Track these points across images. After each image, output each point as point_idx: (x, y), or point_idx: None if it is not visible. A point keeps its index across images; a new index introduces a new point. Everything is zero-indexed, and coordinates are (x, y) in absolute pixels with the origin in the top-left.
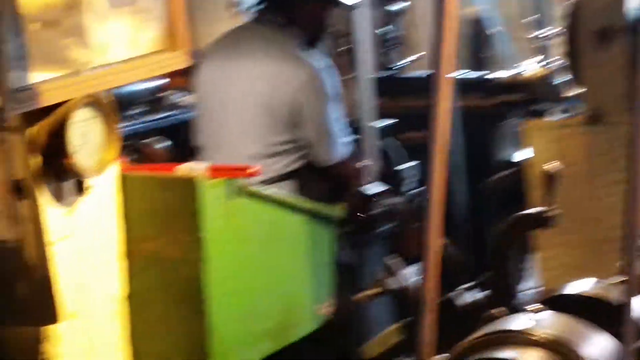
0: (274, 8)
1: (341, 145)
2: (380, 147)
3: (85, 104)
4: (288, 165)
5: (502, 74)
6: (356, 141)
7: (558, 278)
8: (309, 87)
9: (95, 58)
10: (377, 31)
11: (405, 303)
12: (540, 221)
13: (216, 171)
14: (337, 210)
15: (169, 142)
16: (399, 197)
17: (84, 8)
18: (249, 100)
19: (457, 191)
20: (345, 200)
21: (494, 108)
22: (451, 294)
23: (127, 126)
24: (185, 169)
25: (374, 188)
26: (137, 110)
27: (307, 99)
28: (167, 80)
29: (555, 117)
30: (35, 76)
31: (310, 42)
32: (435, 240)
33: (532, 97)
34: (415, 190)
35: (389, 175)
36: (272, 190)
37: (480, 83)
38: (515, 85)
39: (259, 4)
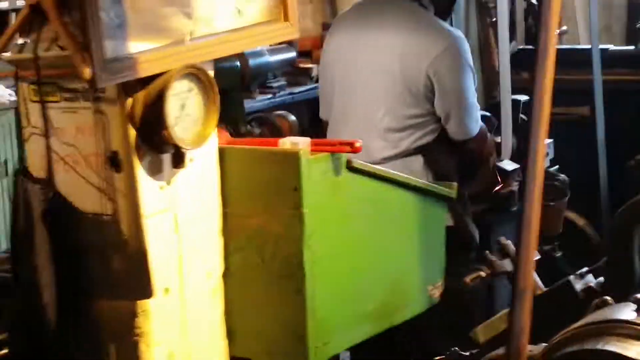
0: None
1: (477, 119)
2: (519, 123)
3: (184, 76)
4: (420, 139)
5: None
6: (494, 116)
7: None
8: (448, 56)
9: (198, 28)
10: (525, 2)
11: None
12: None
13: (319, 146)
14: (451, 190)
15: (294, 116)
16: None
17: None
18: (382, 71)
19: (600, 170)
20: (481, 176)
21: None
22: (570, 277)
23: (264, 99)
24: (287, 143)
25: (510, 164)
26: (276, 83)
27: (446, 68)
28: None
29: None
30: (134, 46)
31: (442, 13)
32: (530, 225)
33: None
34: (551, 169)
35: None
36: (384, 167)
37: (633, 57)
38: None
39: None
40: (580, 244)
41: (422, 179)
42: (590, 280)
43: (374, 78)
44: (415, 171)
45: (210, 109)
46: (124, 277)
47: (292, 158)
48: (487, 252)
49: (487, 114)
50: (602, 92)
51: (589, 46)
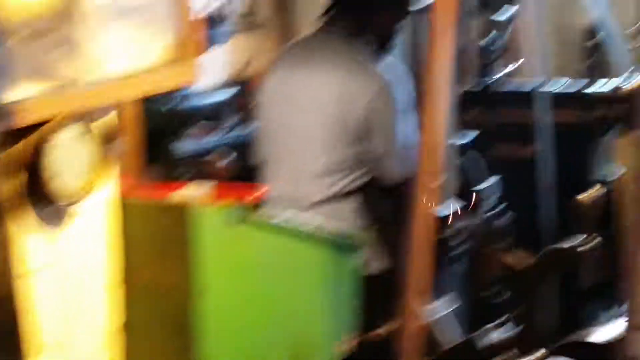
0: (344, 17)
1: (412, 161)
2: (460, 164)
3: (69, 123)
4: (352, 182)
5: (602, 86)
6: None
7: None
8: (379, 99)
9: (89, 72)
10: (481, 41)
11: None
12: (573, 257)
13: (218, 195)
14: (361, 240)
15: (231, 159)
16: (476, 217)
17: (76, 19)
18: (315, 112)
19: (545, 210)
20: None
21: (592, 123)
22: (474, 334)
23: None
24: (184, 193)
25: (448, 208)
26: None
27: (378, 111)
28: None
29: None
30: (18, 92)
31: (381, 50)
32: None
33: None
34: (494, 211)
35: (467, 193)
36: (289, 218)
37: (577, 97)
38: (616, 98)
39: (327, 12)
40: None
41: (352, 224)
42: (496, 336)
43: (308, 119)
44: (346, 216)
45: (103, 157)
46: (4, 335)
47: (185, 210)
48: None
49: None
50: (549, 132)
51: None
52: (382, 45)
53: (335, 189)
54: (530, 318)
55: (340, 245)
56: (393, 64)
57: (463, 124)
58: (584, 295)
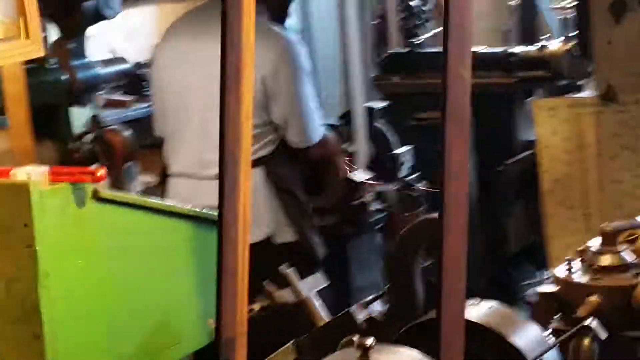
0: None
1: (319, 125)
2: (374, 130)
3: None
4: (258, 151)
5: (526, 48)
6: (345, 123)
7: None
8: (281, 60)
9: None
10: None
11: (302, 319)
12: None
13: (58, 175)
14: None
15: (129, 133)
16: (392, 183)
17: None
18: (212, 81)
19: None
20: (327, 187)
21: (515, 86)
22: (353, 307)
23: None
24: (20, 173)
25: (361, 174)
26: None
27: (280, 73)
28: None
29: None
30: None
31: (277, 15)
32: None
33: (555, 73)
34: (411, 176)
35: (381, 160)
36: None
37: (501, 59)
38: (539, 60)
39: None
40: None
41: (262, 193)
42: (375, 309)
43: (207, 89)
44: (255, 186)
45: None
46: None
47: (21, 191)
48: (266, 281)
49: (335, 122)
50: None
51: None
52: (277, 13)
53: None
54: (402, 291)
55: (205, 220)
56: (289, 31)
57: (384, 88)
58: (509, 260)
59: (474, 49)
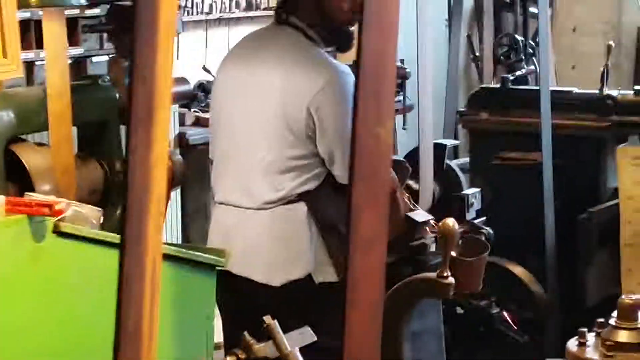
0: (296, 8)
1: None
2: (445, 168)
3: None
4: (303, 184)
5: (624, 92)
6: (411, 159)
7: None
8: (329, 92)
9: None
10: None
11: None
12: (437, 288)
13: (14, 206)
14: (219, 257)
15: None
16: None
17: None
18: (263, 108)
19: (546, 221)
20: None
21: (609, 130)
22: None
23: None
24: None
25: (422, 216)
26: None
27: (327, 105)
28: None
29: None
30: None
31: (338, 45)
32: None
33: None
34: (478, 220)
35: (448, 200)
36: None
37: (596, 101)
38: (636, 105)
39: (281, 4)
40: (524, 301)
41: (304, 230)
42: None
43: (255, 116)
44: (298, 220)
45: None
46: None
47: None
48: (246, 332)
49: (398, 158)
50: (558, 138)
51: (555, 87)
52: (337, 38)
53: (286, 189)
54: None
55: (176, 258)
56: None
57: (470, 123)
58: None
59: (567, 89)
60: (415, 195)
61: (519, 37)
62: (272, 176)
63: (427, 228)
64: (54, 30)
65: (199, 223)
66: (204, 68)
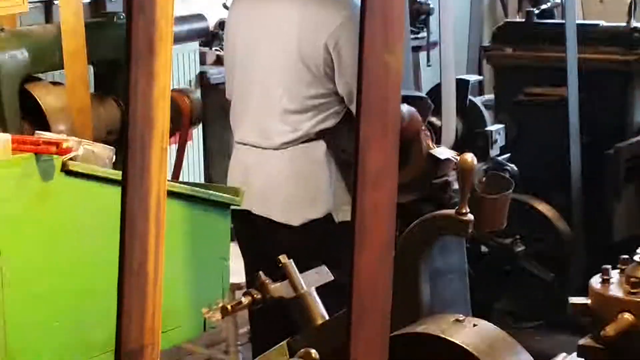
0: None
1: None
2: (468, 104)
3: None
4: (321, 122)
5: None
6: (433, 96)
7: None
8: (348, 27)
9: None
10: None
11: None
12: (455, 225)
13: (21, 144)
14: (234, 196)
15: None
16: (480, 163)
17: None
18: (279, 46)
19: (571, 158)
20: (406, 163)
21: (635, 63)
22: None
23: None
24: None
25: (445, 152)
26: None
27: (347, 40)
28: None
29: None
30: None
31: None
32: None
33: None
34: (502, 157)
35: (472, 137)
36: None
37: (622, 34)
38: None
39: None
40: (550, 239)
41: (323, 168)
42: None
43: (271, 54)
44: (317, 159)
45: None
46: None
47: None
48: (261, 272)
49: (420, 94)
50: (584, 73)
51: (581, 21)
52: None
53: (304, 128)
54: (405, 295)
55: (193, 197)
56: None
57: (495, 59)
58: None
59: (594, 22)
60: (438, 132)
61: None
62: (290, 116)
63: (450, 165)
64: None
65: (222, 162)
66: (224, 5)
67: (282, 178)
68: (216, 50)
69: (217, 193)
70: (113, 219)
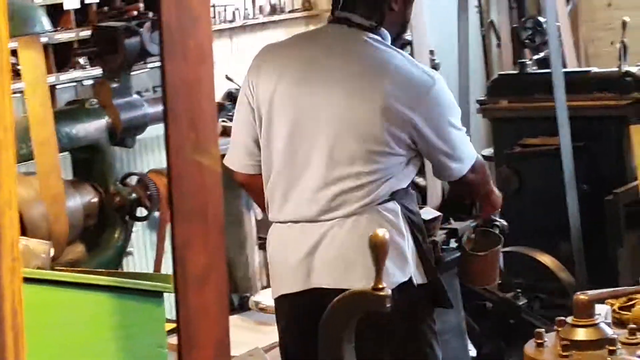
0: (356, 6)
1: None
2: None
3: None
4: (392, 186)
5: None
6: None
7: None
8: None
9: None
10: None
11: None
12: (372, 301)
13: None
14: (160, 281)
15: None
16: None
17: None
18: (326, 120)
19: (569, 206)
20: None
21: (629, 107)
22: None
23: None
24: None
25: (429, 213)
26: None
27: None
28: None
29: None
30: None
31: (397, 42)
32: None
33: None
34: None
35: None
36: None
37: (615, 78)
38: None
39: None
40: (555, 289)
41: (401, 229)
42: None
43: (319, 128)
44: (391, 220)
45: None
46: None
47: None
48: None
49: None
50: (580, 119)
51: (577, 69)
52: (397, 36)
53: (379, 192)
54: None
55: (127, 290)
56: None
57: (490, 112)
58: None
59: (585, 69)
60: (423, 192)
61: (542, 19)
62: (363, 179)
63: (437, 225)
64: (30, 58)
65: (234, 232)
66: (227, 77)
67: (362, 244)
68: (223, 121)
69: (147, 282)
70: (55, 319)
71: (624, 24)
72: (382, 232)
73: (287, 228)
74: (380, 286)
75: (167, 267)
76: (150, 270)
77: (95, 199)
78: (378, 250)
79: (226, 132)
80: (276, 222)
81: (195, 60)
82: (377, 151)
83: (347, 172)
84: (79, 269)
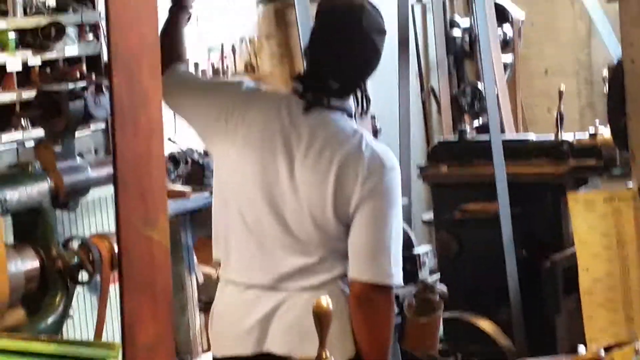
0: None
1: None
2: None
3: None
4: (342, 270)
5: (580, 135)
6: None
7: None
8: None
9: None
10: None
11: None
12: None
13: None
14: (110, 350)
15: None
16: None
17: None
18: (291, 197)
19: (507, 272)
20: None
21: (567, 175)
22: None
23: None
24: None
25: None
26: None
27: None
28: None
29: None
30: None
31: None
32: None
33: (607, 162)
34: (432, 278)
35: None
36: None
37: (552, 146)
38: (591, 148)
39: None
40: (494, 355)
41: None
42: None
43: (288, 203)
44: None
45: None
46: None
47: None
48: None
49: None
50: (518, 186)
51: (515, 136)
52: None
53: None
54: None
55: (68, 358)
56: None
57: (430, 178)
58: None
59: (524, 137)
60: None
61: (481, 86)
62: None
63: None
64: None
65: (176, 295)
66: (170, 140)
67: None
68: None
69: (88, 349)
70: None
71: (561, 94)
72: (326, 302)
73: (242, 290)
74: (324, 356)
75: (107, 332)
76: (91, 334)
77: (37, 263)
78: (322, 320)
79: (169, 194)
80: (229, 281)
81: (146, 135)
82: (333, 234)
83: (306, 248)
84: (19, 334)
